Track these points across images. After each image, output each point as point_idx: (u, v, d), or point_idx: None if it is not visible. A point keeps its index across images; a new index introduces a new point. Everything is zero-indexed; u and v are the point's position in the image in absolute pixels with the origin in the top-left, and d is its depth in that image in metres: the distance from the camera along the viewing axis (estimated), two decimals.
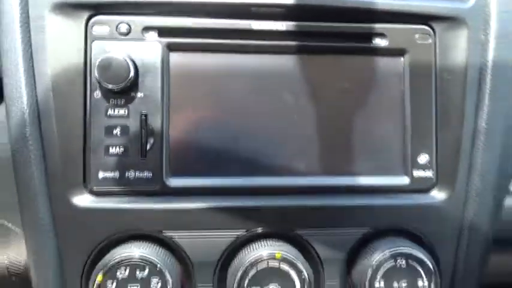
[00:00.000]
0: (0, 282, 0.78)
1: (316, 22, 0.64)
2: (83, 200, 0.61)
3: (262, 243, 0.61)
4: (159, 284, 0.58)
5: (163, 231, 0.61)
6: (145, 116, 0.61)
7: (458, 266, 0.65)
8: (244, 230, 0.62)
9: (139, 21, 0.62)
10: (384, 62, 0.66)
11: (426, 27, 0.66)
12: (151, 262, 0.58)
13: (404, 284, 0.61)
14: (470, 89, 0.65)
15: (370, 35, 0.65)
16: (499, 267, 0.74)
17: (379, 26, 0.65)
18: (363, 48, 0.65)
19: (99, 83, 0.60)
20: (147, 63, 0.62)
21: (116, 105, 0.61)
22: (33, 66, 0.60)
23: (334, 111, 0.65)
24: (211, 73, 0.63)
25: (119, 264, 0.57)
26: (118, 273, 0.57)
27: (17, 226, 0.69)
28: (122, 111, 0.62)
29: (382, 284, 0.61)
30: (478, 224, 0.65)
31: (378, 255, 0.61)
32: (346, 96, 0.65)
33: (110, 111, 0.61)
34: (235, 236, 0.61)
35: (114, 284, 0.57)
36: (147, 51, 0.62)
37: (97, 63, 0.59)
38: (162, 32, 0.62)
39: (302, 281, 0.59)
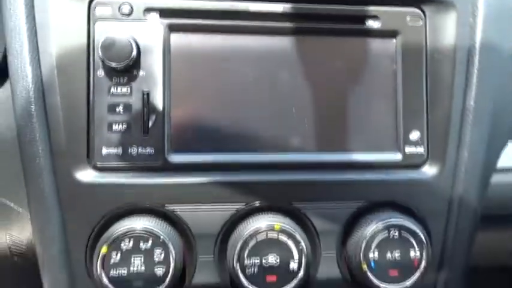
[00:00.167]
0: (2, 263, 0.79)
1: (311, 4, 0.66)
2: (87, 175, 0.62)
3: (261, 216, 0.63)
4: (162, 255, 0.60)
5: (166, 205, 0.63)
6: (147, 94, 0.63)
7: (448, 238, 0.68)
8: (244, 204, 0.64)
9: (141, 2, 0.64)
10: (376, 44, 0.68)
11: (417, 10, 0.68)
12: (154, 234, 0.60)
13: (397, 254, 0.64)
14: (459, 69, 0.68)
15: (363, 17, 0.68)
16: (484, 247, 0.77)
17: (372, 9, 0.67)
18: (356, 30, 0.68)
19: (102, 62, 0.62)
20: (149, 43, 0.64)
21: (119, 84, 0.63)
22: (37, 45, 0.62)
23: (329, 91, 0.67)
24: (211, 53, 0.65)
25: (123, 236, 0.59)
26: (122, 245, 0.59)
27: (19, 205, 0.71)
28: (124, 90, 0.63)
29: (376, 254, 0.64)
30: (467, 198, 0.68)
31: (372, 227, 0.63)
32: (341, 76, 0.67)
33: (113, 90, 0.63)
34: (235, 209, 0.64)
35: (119, 255, 0.59)
36: (149, 31, 0.64)
37: (100, 43, 0.61)
38: (164, 13, 0.64)
39: (300, 251, 0.61)
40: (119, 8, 0.63)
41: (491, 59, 0.69)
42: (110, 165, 0.63)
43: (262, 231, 0.61)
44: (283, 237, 0.61)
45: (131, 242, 0.59)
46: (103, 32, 0.63)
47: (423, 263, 0.64)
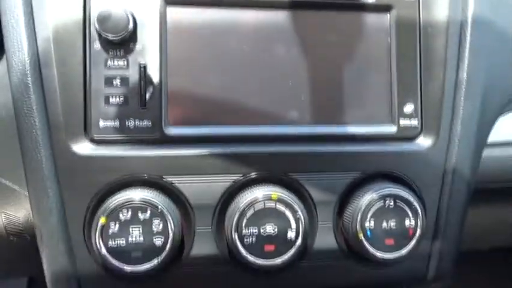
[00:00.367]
0: None
1: None
2: (84, 148, 0.62)
3: (258, 187, 0.64)
4: (161, 226, 0.60)
5: (164, 176, 0.63)
6: (144, 67, 0.63)
7: (442, 208, 0.69)
8: (241, 175, 0.64)
9: None
10: (371, 18, 0.69)
11: None
12: (152, 204, 0.60)
13: (392, 224, 0.65)
14: (451, 43, 0.69)
15: None
16: (475, 226, 0.78)
17: None
18: (351, 5, 0.68)
19: (98, 34, 0.62)
20: (145, 16, 0.64)
21: (115, 56, 0.63)
22: (33, 17, 0.61)
23: (325, 65, 0.68)
24: (207, 27, 0.65)
25: (121, 207, 0.59)
26: (120, 215, 0.60)
27: (15, 184, 0.71)
28: (121, 62, 0.63)
29: (372, 223, 0.64)
30: (460, 169, 0.69)
31: (368, 197, 0.64)
32: (336, 50, 0.68)
33: (110, 62, 0.63)
34: (233, 180, 0.64)
35: (117, 225, 0.59)
36: (145, 4, 0.64)
37: (97, 15, 0.60)
38: None
39: (297, 220, 0.62)
40: None
41: (483, 34, 0.71)
42: (107, 138, 0.63)
43: (259, 201, 0.62)
44: (280, 207, 0.62)
45: (129, 213, 0.60)
46: (99, 5, 0.63)
47: (418, 232, 0.65)
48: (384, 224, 0.65)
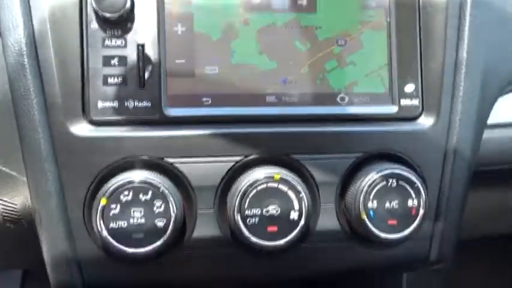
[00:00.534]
0: None
1: None
2: (82, 129, 0.61)
3: (260, 167, 0.63)
4: (162, 207, 0.59)
5: (164, 158, 0.62)
6: (142, 46, 0.62)
7: (444, 188, 0.69)
8: (243, 156, 0.63)
9: None
10: None
11: None
12: (154, 185, 0.59)
13: (395, 204, 0.64)
14: (451, 22, 0.69)
15: None
16: (473, 210, 0.78)
17: None
18: None
19: (95, 13, 0.61)
20: None
21: (113, 36, 0.62)
22: None
23: (326, 45, 0.67)
24: (205, 4, 0.64)
25: (122, 188, 0.58)
26: (121, 197, 0.58)
27: (11, 169, 0.69)
28: (119, 42, 0.62)
29: (375, 204, 0.64)
30: (461, 149, 0.69)
31: (370, 177, 0.64)
32: (337, 30, 0.68)
33: (107, 42, 0.62)
34: (234, 161, 0.63)
35: (118, 207, 0.58)
36: None
37: None
38: None
39: (300, 201, 0.62)
40: None
41: (482, 13, 0.70)
42: (106, 119, 0.62)
43: (262, 181, 0.61)
44: (283, 187, 0.61)
45: (130, 194, 0.58)
46: None
47: (421, 212, 0.65)
48: (387, 205, 0.64)
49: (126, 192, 0.59)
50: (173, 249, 0.62)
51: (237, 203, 0.61)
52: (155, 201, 0.59)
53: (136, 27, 0.62)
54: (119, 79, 0.62)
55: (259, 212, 0.61)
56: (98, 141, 0.61)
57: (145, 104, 0.63)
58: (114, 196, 0.58)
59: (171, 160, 0.62)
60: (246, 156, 0.64)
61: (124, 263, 0.62)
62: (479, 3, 0.70)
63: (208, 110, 0.65)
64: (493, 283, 1.17)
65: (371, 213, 0.64)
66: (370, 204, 0.64)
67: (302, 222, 0.62)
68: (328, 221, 0.66)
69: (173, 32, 0.64)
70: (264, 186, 0.61)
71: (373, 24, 0.69)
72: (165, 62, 0.63)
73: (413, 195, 0.65)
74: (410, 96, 0.69)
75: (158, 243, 0.59)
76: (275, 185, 0.61)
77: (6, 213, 0.73)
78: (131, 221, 0.58)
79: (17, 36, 0.60)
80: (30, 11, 0.60)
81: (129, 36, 0.62)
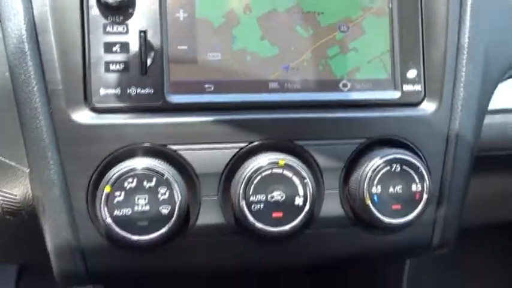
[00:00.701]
0: None
1: None
2: (85, 116, 0.61)
3: (264, 153, 0.63)
4: (167, 194, 0.59)
5: (167, 145, 0.62)
6: (144, 32, 0.62)
7: (446, 173, 0.69)
8: (247, 143, 0.63)
9: None
10: None
11: None
12: (158, 172, 0.58)
13: (399, 189, 0.64)
14: (452, 7, 0.69)
15: None
16: (474, 197, 0.79)
17: None
18: None
19: None
20: None
21: (114, 22, 0.61)
22: None
23: (328, 31, 0.67)
24: None
25: (126, 175, 0.58)
26: (125, 184, 0.58)
27: (10, 159, 0.68)
28: (120, 28, 0.62)
29: (379, 189, 0.64)
30: (463, 134, 0.69)
31: (374, 162, 0.64)
32: (339, 16, 0.68)
33: (109, 28, 0.61)
34: (238, 147, 0.63)
35: (122, 194, 0.58)
36: None
37: None
38: None
39: (305, 186, 0.61)
40: None
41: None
42: (108, 106, 0.61)
43: (267, 167, 0.61)
44: (287, 173, 0.61)
45: (135, 181, 0.58)
46: None
47: (424, 197, 0.65)
48: (391, 190, 0.64)
49: (130, 180, 0.58)
50: (177, 236, 0.62)
51: (241, 190, 0.60)
52: (159, 189, 0.59)
53: (137, 13, 0.62)
54: (121, 66, 0.61)
55: (264, 198, 0.61)
56: (100, 129, 0.60)
57: (147, 90, 0.62)
58: (118, 183, 0.58)
59: (174, 147, 0.62)
60: (250, 143, 0.63)
61: (128, 250, 0.61)
62: None
63: (211, 97, 0.64)
64: (494, 272, 1.18)
65: (375, 198, 0.64)
66: (374, 190, 0.64)
67: (307, 207, 0.62)
68: (332, 206, 0.66)
69: (175, 18, 0.64)
70: (268, 172, 0.61)
71: (375, 10, 0.69)
72: (167, 49, 0.63)
73: (417, 180, 0.65)
74: (412, 81, 0.69)
75: (163, 230, 0.58)
76: (280, 171, 0.61)
77: (5, 204, 0.72)
78: (135, 208, 0.58)
79: (17, 22, 0.59)
80: None
81: (131, 23, 0.62)
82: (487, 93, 0.73)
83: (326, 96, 0.67)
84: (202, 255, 0.65)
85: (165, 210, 0.59)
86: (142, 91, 0.62)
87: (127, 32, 0.62)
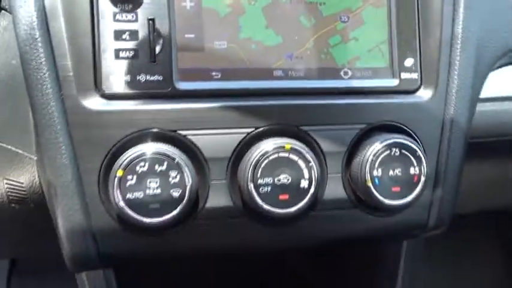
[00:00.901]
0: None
1: None
2: (95, 103, 0.62)
3: (270, 138, 0.65)
4: (178, 177, 0.60)
5: (177, 130, 0.63)
6: (153, 20, 0.63)
7: (442, 157, 0.73)
8: (253, 128, 0.65)
9: None
10: None
11: None
12: (169, 156, 0.60)
13: (398, 172, 0.67)
14: (447, 0, 0.72)
15: None
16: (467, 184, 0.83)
17: None
18: None
19: None
20: None
21: (124, 10, 0.63)
22: None
23: (330, 21, 0.70)
24: None
25: (137, 159, 0.59)
26: (137, 168, 0.59)
27: (16, 147, 0.69)
28: (129, 16, 0.63)
29: (379, 172, 0.67)
30: (457, 119, 0.72)
31: (375, 146, 0.67)
32: (339, 6, 0.70)
33: (118, 16, 0.63)
34: (245, 133, 0.65)
35: (135, 178, 0.59)
36: None
37: None
38: None
39: (310, 169, 0.64)
40: None
41: None
42: (118, 93, 0.63)
43: (273, 151, 0.63)
44: (293, 157, 0.63)
45: (146, 165, 0.59)
46: None
47: (422, 179, 0.68)
48: (391, 172, 0.67)
49: (142, 164, 0.59)
50: (187, 219, 0.64)
51: (250, 173, 0.62)
52: (170, 172, 0.60)
53: (146, 1, 0.63)
54: (130, 53, 0.63)
55: (271, 181, 0.63)
56: (111, 115, 0.62)
57: (156, 77, 0.64)
58: (130, 167, 0.59)
59: (183, 132, 0.63)
60: (256, 128, 0.65)
61: (140, 233, 0.63)
62: None
63: (218, 84, 0.66)
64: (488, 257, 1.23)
65: (376, 180, 0.67)
66: (375, 173, 0.67)
67: (312, 190, 0.64)
68: (335, 189, 0.69)
69: (182, 7, 0.65)
70: (275, 156, 0.63)
71: (374, 1, 0.72)
72: (175, 37, 0.64)
73: (415, 164, 0.68)
74: (409, 70, 0.72)
75: (174, 212, 0.60)
76: (286, 154, 0.63)
77: (11, 192, 0.73)
78: (147, 191, 0.59)
79: (28, 9, 0.60)
80: None
81: (140, 11, 0.63)
82: (479, 80, 0.76)
83: (328, 84, 0.70)
84: (211, 237, 0.66)
85: (176, 193, 0.60)
86: (152, 78, 0.63)
87: (136, 20, 0.63)
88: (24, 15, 0.60)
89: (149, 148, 0.60)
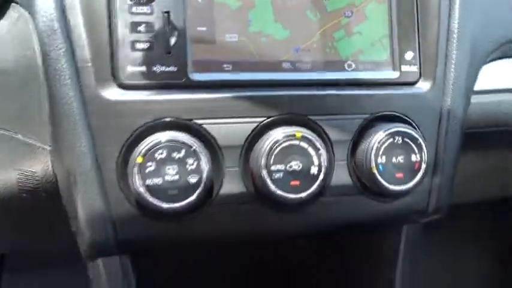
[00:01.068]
0: (9, 202, 0.77)
1: None
2: (113, 93, 0.64)
3: (282, 128, 0.68)
4: (195, 164, 0.63)
5: (193, 119, 0.65)
6: (168, 13, 0.65)
7: (440, 145, 0.76)
8: (265, 117, 0.68)
9: None
10: None
11: None
12: (186, 144, 0.62)
13: (401, 159, 0.71)
14: None
15: None
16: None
17: None
18: None
19: None
20: None
21: (139, 3, 0.65)
22: None
23: (334, 16, 0.73)
24: None
25: (157, 147, 0.61)
26: (156, 155, 0.61)
27: (29, 138, 0.70)
28: (145, 9, 0.65)
29: (384, 159, 0.70)
30: (454, 110, 0.77)
31: (379, 135, 0.70)
32: (343, 2, 0.74)
33: (134, 9, 0.65)
34: (257, 122, 0.68)
35: (154, 165, 0.61)
36: None
37: None
38: None
39: (319, 157, 0.67)
40: None
41: None
42: (135, 83, 0.65)
43: (285, 139, 0.66)
44: (304, 144, 0.66)
45: (165, 152, 0.62)
46: None
47: (423, 166, 0.72)
48: (394, 159, 0.71)
49: (160, 151, 0.62)
50: (203, 205, 0.66)
51: (263, 160, 0.65)
52: (188, 159, 0.62)
53: None
54: (146, 45, 0.65)
55: (283, 168, 0.66)
56: (128, 104, 0.64)
57: (171, 68, 0.66)
58: (149, 155, 0.61)
59: (199, 121, 0.66)
60: (267, 118, 0.68)
61: (158, 219, 0.64)
62: None
63: (230, 75, 0.69)
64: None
65: (380, 167, 0.70)
66: (379, 160, 0.70)
67: (321, 176, 0.67)
68: (341, 176, 0.72)
69: (194, 1, 0.68)
70: (287, 143, 0.66)
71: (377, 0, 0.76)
72: (190, 29, 0.67)
73: (416, 151, 0.72)
74: (409, 63, 0.76)
75: (191, 198, 0.62)
76: (297, 142, 0.66)
77: (23, 182, 0.73)
78: (166, 177, 0.61)
79: (47, 2, 0.61)
80: None
81: (155, 4, 0.65)
82: (473, 73, 0.81)
83: (333, 76, 0.73)
84: (226, 223, 0.69)
85: (193, 179, 0.63)
86: (167, 69, 0.66)
87: (151, 12, 0.65)
88: (43, 7, 0.61)
89: (167, 136, 0.62)
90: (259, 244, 0.87)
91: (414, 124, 0.75)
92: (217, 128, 0.67)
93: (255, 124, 0.68)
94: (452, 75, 0.77)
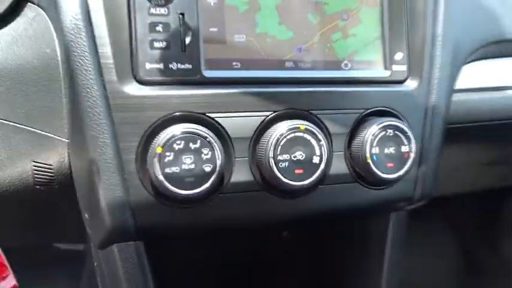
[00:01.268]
0: (23, 194, 0.80)
1: None
2: (133, 88, 0.69)
3: (287, 121, 0.74)
4: (209, 154, 0.68)
5: (206, 113, 0.71)
6: (183, 14, 0.71)
7: (425, 139, 0.85)
8: (272, 111, 0.74)
9: None
10: None
11: None
12: (202, 135, 0.68)
13: (392, 149, 0.79)
14: (429, 4, 0.84)
15: None
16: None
17: None
18: None
19: None
20: None
21: (157, 5, 0.70)
22: None
23: (332, 19, 0.80)
24: None
25: (175, 137, 0.67)
26: (174, 145, 0.67)
27: (46, 130, 0.74)
28: (162, 10, 0.70)
29: (377, 150, 0.78)
30: (438, 107, 0.85)
31: (373, 128, 0.77)
32: (340, 6, 0.80)
33: (152, 10, 0.70)
34: (265, 115, 0.74)
35: (172, 154, 0.67)
36: None
37: None
38: None
39: (320, 147, 0.74)
40: None
41: None
42: (153, 79, 0.70)
43: (291, 131, 0.72)
44: (307, 136, 0.73)
45: (182, 143, 0.67)
46: None
47: (411, 156, 0.79)
48: (386, 150, 0.78)
49: (178, 142, 0.67)
50: (216, 192, 0.72)
51: (271, 150, 0.71)
52: (203, 149, 0.68)
53: None
54: (164, 44, 0.70)
55: (289, 157, 0.72)
56: (147, 99, 0.68)
57: (186, 66, 0.71)
58: (168, 145, 0.66)
59: (212, 115, 0.71)
60: (274, 112, 0.74)
61: (175, 205, 0.70)
62: None
63: (239, 73, 0.75)
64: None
65: (374, 157, 0.78)
66: (373, 150, 0.78)
67: (322, 165, 0.74)
68: (339, 165, 0.79)
69: (207, 4, 0.73)
70: (292, 135, 0.72)
71: (370, 2, 0.83)
72: (203, 30, 0.72)
73: (406, 142, 0.79)
74: (399, 63, 0.84)
75: (206, 185, 0.68)
76: (301, 134, 0.73)
77: (39, 174, 0.77)
78: (183, 166, 0.67)
79: (72, 2, 0.66)
80: None
81: (171, 6, 0.70)
82: (455, 73, 0.89)
83: (331, 74, 0.80)
84: (236, 209, 0.74)
85: (207, 168, 0.68)
86: (182, 66, 0.71)
87: (168, 14, 0.70)
88: (69, 7, 0.66)
89: (184, 128, 0.68)
90: (251, 234, 0.94)
91: (403, 118, 0.82)
92: (228, 121, 0.72)
93: (263, 118, 0.74)
94: (437, 75, 0.85)
